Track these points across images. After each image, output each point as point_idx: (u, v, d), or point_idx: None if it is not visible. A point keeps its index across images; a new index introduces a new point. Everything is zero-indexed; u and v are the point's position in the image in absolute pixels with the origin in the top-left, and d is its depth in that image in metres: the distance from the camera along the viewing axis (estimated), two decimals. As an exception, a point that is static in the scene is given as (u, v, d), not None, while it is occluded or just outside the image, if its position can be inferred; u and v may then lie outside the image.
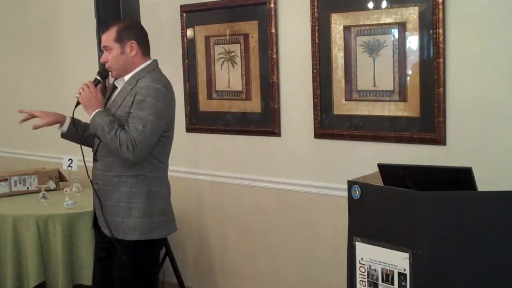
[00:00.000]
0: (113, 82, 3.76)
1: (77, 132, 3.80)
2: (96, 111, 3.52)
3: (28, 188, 5.44)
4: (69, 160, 5.18)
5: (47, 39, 6.20)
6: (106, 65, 3.62)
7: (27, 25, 6.37)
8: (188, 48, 5.02)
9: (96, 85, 3.65)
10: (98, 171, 3.65)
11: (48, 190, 5.29)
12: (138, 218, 3.55)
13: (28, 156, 6.41)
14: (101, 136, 3.49)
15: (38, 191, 5.22)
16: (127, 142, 3.40)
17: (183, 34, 5.03)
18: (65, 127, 3.84)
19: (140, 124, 3.43)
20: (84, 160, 3.66)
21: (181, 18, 5.01)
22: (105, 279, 3.75)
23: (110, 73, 3.69)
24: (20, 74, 6.53)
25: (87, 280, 4.68)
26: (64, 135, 3.90)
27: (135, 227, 3.55)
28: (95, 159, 3.68)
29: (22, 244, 4.68)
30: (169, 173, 3.77)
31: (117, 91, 3.68)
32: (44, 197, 5.06)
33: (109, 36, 3.59)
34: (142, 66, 3.66)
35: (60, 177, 5.61)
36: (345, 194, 3.08)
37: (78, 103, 3.63)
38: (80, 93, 3.57)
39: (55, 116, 3.89)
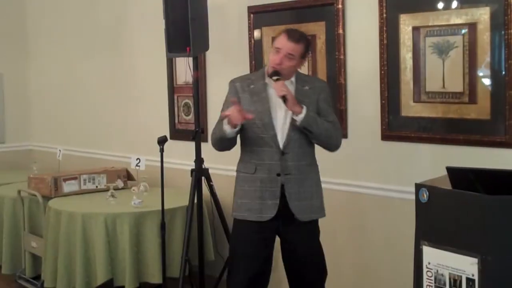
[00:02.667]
0: (264, 82, 3.89)
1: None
2: (304, 107, 3.75)
3: (97, 186, 5.54)
4: (137, 159, 5.26)
5: (117, 40, 6.31)
6: (278, 67, 3.77)
7: (98, 27, 6.50)
8: (255, 49, 5.03)
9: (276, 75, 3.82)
10: (289, 163, 3.83)
11: (116, 188, 5.37)
12: (321, 198, 3.98)
13: (97, 155, 6.53)
14: (314, 127, 3.78)
15: (106, 190, 5.30)
16: (333, 123, 3.87)
17: (250, 35, 5.05)
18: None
19: (335, 116, 3.95)
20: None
21: (249, 19, 5.03)
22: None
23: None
24: (90, 74, 6.66)
25: (153, 278, 4.74)
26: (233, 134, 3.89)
27: (322, 206, 3.98)
28: (283, 153, 3.81)
29: (91, 242, 4.76)
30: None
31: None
32: (112, 195, 5.15)
33: (297, 49, 3.79)
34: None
35: (128, 176, 5.70)
36: (413, 197, 3.04)
37: (285, 100, 3.73)
38: (284, 95, 3.70)
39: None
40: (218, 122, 3.92)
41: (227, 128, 3.77)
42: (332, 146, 3.91)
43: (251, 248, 3.91)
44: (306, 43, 3.86)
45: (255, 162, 3.88)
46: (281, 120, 3.82)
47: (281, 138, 3.81)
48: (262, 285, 3.97)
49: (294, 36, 3.80)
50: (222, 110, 3.93)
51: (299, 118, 3.72)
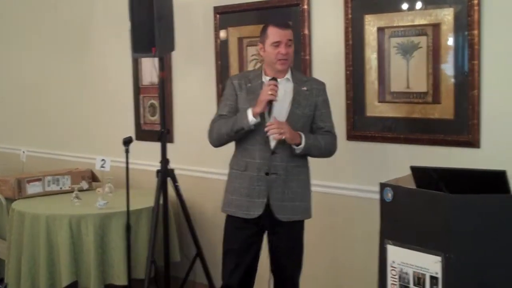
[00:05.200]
0: (260, 81, 3.88)
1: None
2: (303, 137, 3.78)
3: (61, 188, 5.49)
4: (102, 160, 5.21)
5: (81, 40, 6.25)
6: (286, 57, 3.79)
7: (63, 27, 6.43)
8: (221, 49, 5.03)
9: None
10: (277, 163, 3.84)
11: (81, 190, 5.33)
12: (309, 201, 3.99)
13: (62, 156, 6.48)
14: (313, 152, 3.88)
15: (71, 191, 5.25)
16: (330, 136, 3.93)
17: (216, 35, 5.04)
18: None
19: (332, 121, 3.96)
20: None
21: (215, 20, 5.03)
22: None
23: (282, 66, 3.82)
24: (54, 75, 6.60)
25: (118, 279, 4.70)
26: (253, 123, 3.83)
27: (309, 208, 3.99)
28: (273, 152, 3.83)
29: (55, 244, 4.71)
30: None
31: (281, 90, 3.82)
32: (77, 197, 5.10)
33: (292, 33, 3.84)
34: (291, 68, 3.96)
35: (93, 178, 5.66)
36: (377, 196, 3.06)
37: (270, 107, 3.75)
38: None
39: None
40: (217, 119, 3.93)
41: (251, 118, 3.74)
42: (328, 156, 3.99)
43: (239, 244, 3.95)
44: (291, 28, 3.91)
45: (246, 160, 3.90)
46: (274, 119, 3.80)
47: (273, 137, 3.81)
48: (250, 279, 4.01)
49: (284, 23, 3.90)
50: (220, 108, 3.97)
51: (299, 148, 3.78)
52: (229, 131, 3.84)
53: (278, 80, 3.81)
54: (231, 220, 3.99)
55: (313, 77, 4.31)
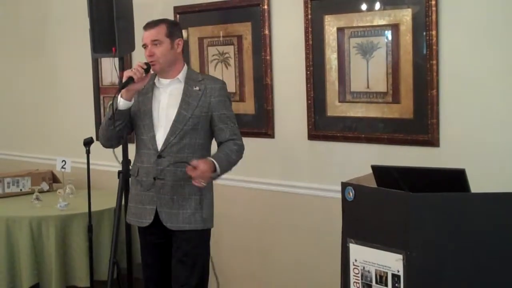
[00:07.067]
0: (152, 82, 3.79)
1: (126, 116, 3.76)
2: (217, 166, 3.60)
3: (21, 189, 5.43)
4: (62, 161, 5.17)
5: (40, 39, 6.20)
6: (152, 59, 3.68)
7: (19, 25, 6.37)
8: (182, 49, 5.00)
9: (147, 71, 3.68)
10: (164, 167, 3.68)
11: (41, 191, 5.28)
12: (208, 209, 3.79)
13: (21, 157, 6.41)
14: (230, 168, 3.75)
15: (31, 193, 5.21)
16: (239, 147, 3.77)
17: (177, 35, 5.02)
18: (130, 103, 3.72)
19: (234, 122, 3.80)
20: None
21: (174, 19, 5.01)
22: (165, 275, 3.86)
23: (152, 67, 3.71)
24: (13, 75, 6.53)
25: (81, 281, 4.68)
26: (121, 112, 3.69)
27: (206, 217, 3.77)
28: (160, 156, 3.69)
29: (15, 246, 4.67)
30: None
31: (166, 91, 3.75)
32: (37, 198, 5.05)
33: (159, 31, 3.70)
34: (186, 67, 3.83)
35: (54, 179, 5.61)
36: (339, 195, 3.08)
37: (127, 82, 3.59)
38: (199, 181, 3.54)
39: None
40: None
41: (120, 99, 3.62)
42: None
43: (142, 254, 3.93)
44: (167, 23, 3.76)
45: (137, 165, 3.82)
46: (164, 122, 3.72)
47: (160, 140, 3.70)
48: None
49: (150, 24, 3.75)
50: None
51: (215, 176, 3.64)
52: (106, 119, 3.71)
53: (168, 81, 3.74)
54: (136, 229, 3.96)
55: (211, 76, 4.20)
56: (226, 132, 3.75)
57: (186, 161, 3.58)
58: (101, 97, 5.71)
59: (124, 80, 3.61)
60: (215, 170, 3.59)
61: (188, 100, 3.71)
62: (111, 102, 3.66)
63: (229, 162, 3.70)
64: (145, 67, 3.66)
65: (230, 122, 3.77)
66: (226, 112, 3.77)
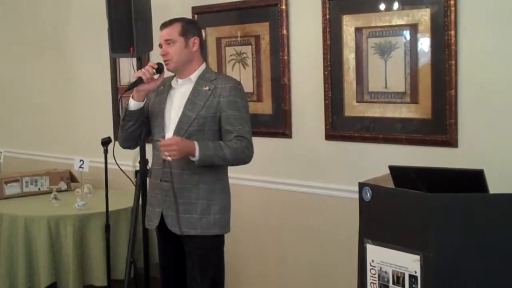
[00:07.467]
0: (170, 83, 3.74)
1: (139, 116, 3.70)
2: (197, 148, 3.44)
3: (39, 189, 5.46)
4: (80, 161, 5.20)
5: (59, 41, 6.22)
6: (166, 58, 3.62)
7: (41, 27, 6.40)
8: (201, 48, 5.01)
9: (159, 72, 3.64)
10: (171, 170, 3.61)
11: (59, 191, 5.30)
12: (217, 214, 3.63)
13: (40, 157, 6.44)
14: (221, 162, 3.54)
15: (49, 192, 5.23)
16: (239, 147, 3.53)
17: (195, 35, 5.03)
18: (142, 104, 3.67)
19: (244, 124, 3.58)
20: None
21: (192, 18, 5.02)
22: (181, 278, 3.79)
23: (166, 66, 3.67)
24: (32, 75, 6.56)
25: (98, 281, 4.69)
26: (132, 113, 3.65)
27: (215, 223, 3.63)
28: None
29: (34, 245, 4.69)
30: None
31: (179, 91, 3.68)
32: (55, 198, 5.07)
33: (172, 30, 3.63)
34: (203, 66, 3.73)
35: (72, 178, 5.63)
36: (356, 196, 3.07)
37: (135, 83, 3.57)
38: (169, 155, 3.40)
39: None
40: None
41: (131, 100, 3.60)
42: (241, 164, 3.65)
43: (159, 254, 3.91)
44: (182, 21, 3.69)
45: (151, 166, 3.81)
46: (173, 122, 3.63)
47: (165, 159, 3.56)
48: None
49: (165, 23, 3.69)
50: None
51: (196, 160, 3.46)
52: (122, 120, 3.69)
53: (182, 80, 3.67)
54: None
55: (225, 75, 4.13)
56: (231, 135, 3.56)
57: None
58: (119, 97, 5.72)
59: (133, 80, 3.60)
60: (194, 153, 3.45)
61: (195, 100, 3.61)
62: (127, 102, 3.67)
63: (216, 153, 3.48)
64: (156, 67, 3.62)
65: (237, 124, 3.56)
66: (235, 113, 3.58)
